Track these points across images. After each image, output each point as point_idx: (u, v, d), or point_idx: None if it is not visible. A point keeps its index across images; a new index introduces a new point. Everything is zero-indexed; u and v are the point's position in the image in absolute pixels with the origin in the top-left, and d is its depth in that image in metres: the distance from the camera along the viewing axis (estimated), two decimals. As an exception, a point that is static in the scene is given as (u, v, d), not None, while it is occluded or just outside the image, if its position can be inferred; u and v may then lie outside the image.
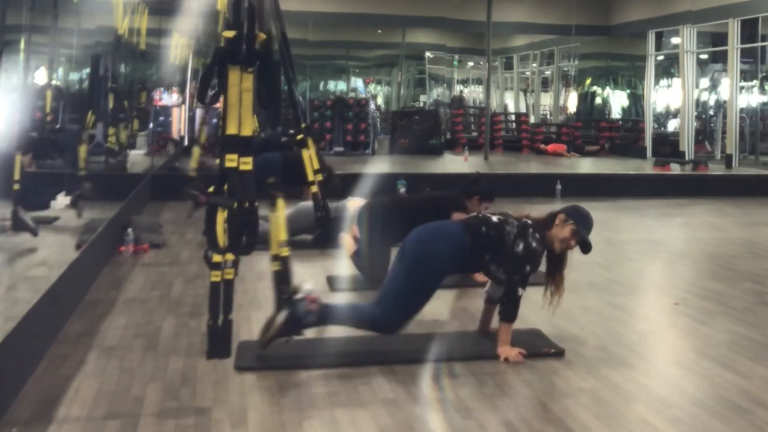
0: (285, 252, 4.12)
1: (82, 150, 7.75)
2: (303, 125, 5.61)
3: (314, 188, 5.71)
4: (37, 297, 4.05)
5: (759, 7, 14.36)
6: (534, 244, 4.19)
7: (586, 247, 4.24)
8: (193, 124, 11.48)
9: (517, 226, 4.23)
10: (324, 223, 5.92)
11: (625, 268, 6.71)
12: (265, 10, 4.47)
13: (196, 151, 7.78)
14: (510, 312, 4.18)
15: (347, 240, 5.99)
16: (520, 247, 4.17)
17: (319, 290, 5.51)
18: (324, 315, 4.12)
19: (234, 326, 3.69)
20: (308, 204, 7.24)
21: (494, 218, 4.30)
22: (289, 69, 5.38)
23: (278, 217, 4.15)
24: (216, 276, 3.65)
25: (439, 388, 3.71)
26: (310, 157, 5.61)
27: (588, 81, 22.37)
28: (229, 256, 3.66)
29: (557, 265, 4.30)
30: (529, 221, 4.26)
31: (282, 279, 4.07)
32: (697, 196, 11.37)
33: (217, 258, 3.66)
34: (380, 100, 24.23)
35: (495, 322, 4.38)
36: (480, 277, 5.17)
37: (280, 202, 4.16)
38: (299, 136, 5.59)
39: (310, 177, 5.63)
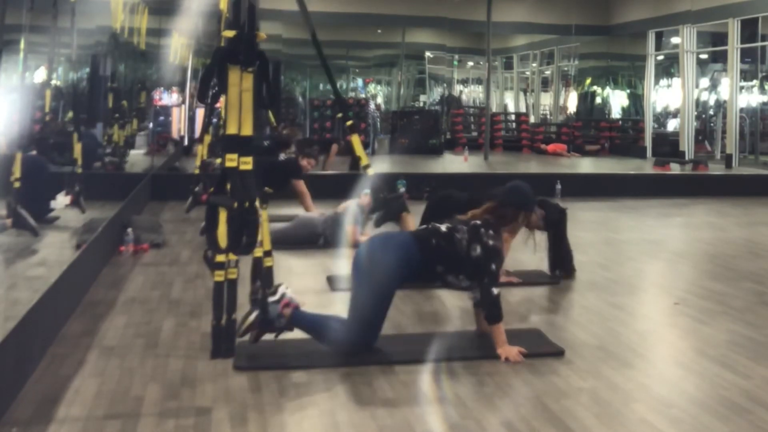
0: (259, 252, 4.15)
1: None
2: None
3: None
4: (37, 297, 4.04)
5: (759, 7, 14.37)
6: (491, 242, 4.17)
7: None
8: (194, 123, 11.51)
9: (468, 231, 4.19)
10: None
11: (625, 268, 6.70)
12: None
13: (201, 149, 7.82)
14: (494, 314, 4.15)
15: (349, 234, 6.55)
16: (478, 250, 4.14)
17: (319, 289, 5.54)
18: (295, 321, 4.10)
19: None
20: (310, 215, 7.34)
21: (443, 228, 4.26)
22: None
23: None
24: (219, 276, 3.65)
25: (439, 388, 3.71)
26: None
27: (588, 81, 22.38)
28: (232, 256, 3.66)
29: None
30: (479, 222, 4.23)
31: (255, 278, 4.13)
32: (697, 196, 11.36)
33: (220, 258, 3.66)
34: (380, 100, 24.23)
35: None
36: None
37: (264, 213, 4.21)
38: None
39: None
